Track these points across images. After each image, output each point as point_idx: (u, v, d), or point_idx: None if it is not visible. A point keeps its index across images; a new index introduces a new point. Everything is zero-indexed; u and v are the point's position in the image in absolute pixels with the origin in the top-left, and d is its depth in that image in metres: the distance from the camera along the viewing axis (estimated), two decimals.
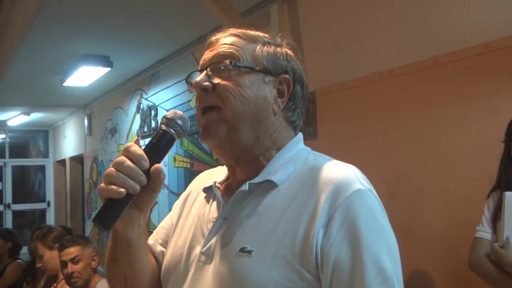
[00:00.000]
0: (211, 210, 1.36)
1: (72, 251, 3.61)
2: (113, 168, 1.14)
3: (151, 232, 1.55)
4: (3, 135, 12.12)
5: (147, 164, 1.15)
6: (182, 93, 5.87)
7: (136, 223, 1.25)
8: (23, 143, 14.02)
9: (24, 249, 6.14)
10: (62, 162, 12.00)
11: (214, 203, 1.36)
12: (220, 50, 1.30)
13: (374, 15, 3.42)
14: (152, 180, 1.17)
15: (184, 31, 5.25)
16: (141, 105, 7.26)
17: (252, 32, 1.35)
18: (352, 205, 1.14)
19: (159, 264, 1.46)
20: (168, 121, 1.22)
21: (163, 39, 5.62)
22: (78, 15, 4.68)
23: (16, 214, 12.10)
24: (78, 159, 11.00)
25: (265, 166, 1.29)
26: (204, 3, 3.95)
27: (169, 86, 6.37)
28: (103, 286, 3.59)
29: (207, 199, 1.41)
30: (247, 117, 1.26)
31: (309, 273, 1.13)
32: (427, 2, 3.06)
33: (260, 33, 1.36)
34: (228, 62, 1.27)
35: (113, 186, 1.12)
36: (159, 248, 1.49)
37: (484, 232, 2.46)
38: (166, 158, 6.50)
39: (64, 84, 7.03)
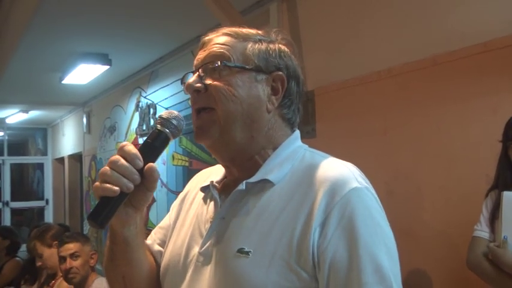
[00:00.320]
0: (209, 209, 1.35)
1: (72, 246, 3.64)
2: (107, 167, 1.15)
3: (149, 231, 1.55)
4: (1, 133, 12.12)
5: (141, 163, 1.16)
6: (181, 91, 5.81)
7: (133, 222, 1.26)
8: (22, 141, 14.03)
9: (23, 247, 6.15)
10: (61, 160, 11.99)
11: (212, 202, 1.36)
12: (212, 50, 1.30)
13: (373, 14, 3.42)
14: (146, 179, 1.18)
15: (184, 29, 5.24)
16: (140, 104, 7.26)
17: (245, 30, 1.34)
18: (348, 203, 1.14)
19: (157, 263, 1.46)
20: (163, 121, 1.23)
21: (163, 38, 5.62)
22: (77, 13, 4.67)
23: (14, 212, 12.10)
24: (76, 157, 10.99)
25: (261, 165, 1.29)
26: (203, 2, 3.95)
27: (168, 84, 6.37)
28: (100, 284, 3.60)
29: (205, 199, 1.41)
30: (240, 117, 1.26)
31: (306, 273, 1.13)
32: (426, 1, 3.06)
33: (253, 31, 1.35)
34: (218, 62, 1.27)
35: (108, 185, 1.13)
36: (156, 247, 1.49)
37: (482, 231, 2.46)
38: (165, 157, 6.50)
39: (63, 82, 7.02)
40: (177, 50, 5.95)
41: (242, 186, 1.26)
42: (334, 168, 1.21)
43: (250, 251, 1.17)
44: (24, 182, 13.94)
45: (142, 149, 1.20)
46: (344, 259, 1.11)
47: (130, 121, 7.63)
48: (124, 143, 1.20)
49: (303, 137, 1.39)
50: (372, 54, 3.41)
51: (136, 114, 7.37)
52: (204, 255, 1.27)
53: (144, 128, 7.02)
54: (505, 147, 2.46)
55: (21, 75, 7.14)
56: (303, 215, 1.15)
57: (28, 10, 4.40)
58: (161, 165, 6.62)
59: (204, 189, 1.41)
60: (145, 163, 1.17)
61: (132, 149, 1.17)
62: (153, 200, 6.81)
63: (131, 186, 1.15)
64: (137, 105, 7.36)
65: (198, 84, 1.28)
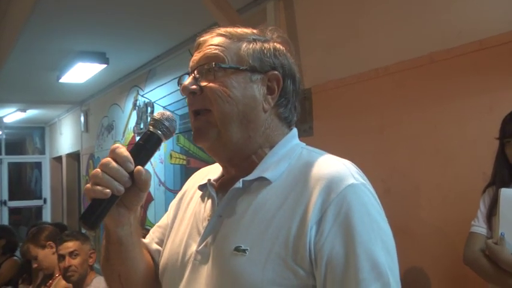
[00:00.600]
0: (207, 208, 1.36)
1: (71, 245, 3.64)
2: (99, 169, 1.16)
3: (147, 230, 1.56)
4: None
5: (132, 165, 1.17)
6: (178, 90, 5.84)
7: (126, 222, 1.27)
8: (19, 140, 14.01)
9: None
10: (59, 159, 11.99)
11: (209, 200, 1.36)
12: (206, 51, 1.30)
13: (370, 12, 3.42)
14: (137, 182, 1.18)
15: (181, 28, 5.24)
16: (138, 102, 7.25)
17: (240, 30, 1.34)
18: (345, 200, 1.14)
19: (155, 262, 1.47)
20: (156, 122, 1.24)
21: (160, 36, 5.61)
22: (74, 11, 4.67)
23: (12, 211, 12.08)
24: (74, 156, 10.98)
25: (258, 163, 1.29)
26: (200, 0, 3.95)
27: (165, 83, 6.37)
28: (99, 283, 3.61)
29: (203, 197, 1.41)
30: (236, 118, 1.26)
31: (303, 270, 1.13)
32: None
33: (248, 30, 1.35)
34: (213, 64, 1.27)
35: (98, 187, 1.14)
36: (154, 246, 1.50)
37: (480, 227, 2.47)
38: (162, 155, 6.50)
39: (60, 80, 7.01)
40: (175, 49, 5.95)
41: (239, 184, 1.26)
42: (331, 166, 1.21)
43: (247, 249, 1.17)
44: (22, 181, 13.93)
45: (134, 150, 1.20)
46: (341, 256, 1.11)
47: (128, 120, 7.63)
48: (115, 145, 1.20)
49: (300, 135, 1.39)
50: (369, 52, 3.42)
51: (134, 113, 7.37)
52: (202, 254, 1.27)
53: (142, 126, 7.02)
54: (501, 144, 2.46)
55: (19, 74, 7.13)
56: (299, 212, 1.16)
57: (25, 9, 4.40)
58: (159, 163, 6.62)
59: (201, 187, 1.41)
60: (137, 164, 1.18)
61: (123, 151, 1.18)
62: (151, 199, 6.81)
63: (122, 189, 1.16)
64: (135, 104, 7.36)
65: (193, 87, 1.29)
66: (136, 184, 1.19)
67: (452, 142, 2.88)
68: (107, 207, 1.16)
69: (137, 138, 7.06)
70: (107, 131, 8.57)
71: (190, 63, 1.34)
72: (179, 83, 1.36)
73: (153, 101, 6.76)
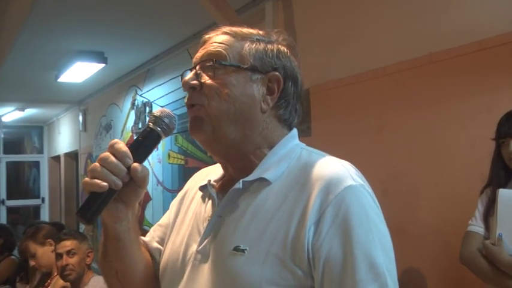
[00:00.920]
0: (207, 208, 1.36)
1: (69, 244, 3.65)
2: (97, 163, 1.17)
3: (145, 230, 1.56)
4: None
5: (130, 160, 1.18)
6: (177, 89, 5.86)
7: (124, 218, 1.27)
8: (18, 139, 13.99)
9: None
10: (57, 158, 11.99)
11: (210, 201, 1.36)
12: (209, 48, 1.31)
13: (369, 12, 3.42)
14: (134, 177, 1.19)
15: (179, 28, 5.24)
16: (136, 102, 7.25)
17: (245, 30, 1.34)
18: (343, 201, 1.14)
19: (154, 260, 1.47)
20: (155, 119, 1.24)
21: (158, 36, 5.61)
22: (72, 11, 4.67)
23: (10, 210, 12.07)
24: (72, 156, 10.99)
25: (258, 164, 1.29)
26: (199, 0, 3.95)
27: (164, 83, 6.37)
28: (97, 282, 3.61)
29: (203, 198, 1.41)
30: (233, 116, 1.27)
31: (301, 271, 1.13)
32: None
33: (254, 31, 1.35)
34: (213, 60, 1.28)
35: (96, 180, 1.15)
36: (155, 244, 1.50)
37: (477, 226, 2.47)
38: (160, 155, 6.50)
39: (59, 80, 7.02)
40: (173, 48, 5.95)
41: (239, 185, 1.26)
42: (329, 167, 1.22)
43: (245, 249, 1.18)
44: (20, 180, 13.91)
45: (133, 146, 1.21)
46: (338, 257, 1.11)
47: (126, 119, 7.63)
48: (115, 140, 1.21)
49: (299, 135, 1.39)
50: (368, 52, 3.42)
51: (132, 113, 7.37)
52: (202, 253, 1.28)
53: (140, 126, 7.02)
54: (497, 145, 2.47)
55: (17, 74, 7.12)
56: (297, 213, 1.16)
57: (24, 8, 4.39)
58: (157, 163, 6.62)
59: (202, 188, 1.41)
60: (135, 160, 1.19)
61: (122, 146, 1.18)
62: (149, 198, 6.81)
63: (119, 183, 1.16)
64: (133, 104, 7.36)
65: (194, 82, 1.29)
66: (134, 180, 1.19)
67: (451, 142, 2.88)
68: (105, 202, 1.16)
69: (135, 138, 7.07)
70: (105, 130, 8.57)
71: (194, 59, 1.35)
72: (182, 79, 1.37)
73: (151, 100, 6.76)
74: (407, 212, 3.12)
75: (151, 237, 1.53)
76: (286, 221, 1.17)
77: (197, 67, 1.31)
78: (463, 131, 2.82)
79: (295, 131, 1.38)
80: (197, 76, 1.30)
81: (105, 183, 1.14)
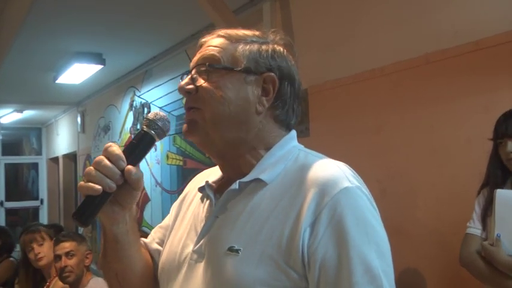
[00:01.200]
0: (205, 209, 1.37)
1: (67, 245, 3.64)
2: (92, 167, 1.18)
3: (143, 231, 1.57)
4: None
5: (124, 163, 1.19)
6: (175, 90, 5.85)
7: (121, 219, 1.29)
8: (16, 141, 13.98)
9: (17, 247, 6.12)
10: (55, 159, 11.98)
11: (208, 202, 1.37)
12: (204, 52, 1.32)
13: (366, 13, 3.42)
14: (128, 179, 1.20)
15: (177, 28, 5.24)
16: (134, 103, 7.26)
17: (240, 32, 1.34)
18: (339, 204, 1.13)
19: (154, 261, 1.48)
20: (149, 122, 1.26)
21: (156, 37, 5.61)
22: (70, 12, 4.67)
23: (9, 212, 12.07)
24: (71, 157, 10.99)
25: (254, 165, 1.29)
26: (196, 1, 3.96)
27: (162, 84, 6.37)
28: (96, 284, 3.60)
29: (202, 198, 1.41)
30: (227, 118, 1.27)
31: (295, 273, 1.13)
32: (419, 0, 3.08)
33: (249, 32, 1.35)
34: (206, 64, 1.29)
35: (91, 184, 1.16)
36: (155, 246, 1.51)
37: (475, 228, 2.47)
38: (159, 156, 6.50)
39: (57, 81, 7.02)
40: (171, 49, 5.96)
41: (235, 185, 1.27)
42: (326, 169, 1.21)
43: (240, 249, 1.18)
44: (19, 182, 13.90)
45: (127, 149, 1.23)
46: (334, 259, 1.11)
47: (125, 120, 7.63)
48: (109, 143, 1.23)
49: (297, 136, 1.38)
50: (365, 52, 3.42)
51: (131, 114, 7.37)
52: (198, 253, 1.28)
53: (138, 127, 7.02)
54: (495, 145, 2.47)
55: (15, 75, 7.12)
56: (293, 215, 1.16)
57: (22, 9, 4.39)
58: (155, 164, 6.62)
59: (201, 189, 1.42)
60: (129, 163, 1.20)
61: (116, 149, 1.20)
62: (148, 200, 6.81)
63: (113, 186, 1.18)
64: (131, 105, 7.36)
65: (189, 86, 1.30)
66: (129, 182, 1.21)
67: (448, 142, 2.88)
68: (100, 204, 1.18)
69: None
70: (104, 131, 8.57)
71: (191, 64, 1.35)
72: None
73: (149, 101, 6.76)
74: (405, 212, 3.12)
75: (151, 239, 1.54)
76: (281, 222, 1.16)
77: (193, 71, 1.31)
78: (461, 130, 2.82)
79: (293, 132, 1.38)
80: (193, 80, 1.30)
81: (99, 187, 1.16)
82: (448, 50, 2.86)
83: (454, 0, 2.87)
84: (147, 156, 6.38)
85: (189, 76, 1.32)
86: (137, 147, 1.25)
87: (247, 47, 1.30)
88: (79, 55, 6.10)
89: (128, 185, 1.21)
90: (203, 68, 1.29)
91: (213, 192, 1.36)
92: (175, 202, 1.55)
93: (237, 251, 1.18)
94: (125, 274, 1.40)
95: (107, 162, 1.18)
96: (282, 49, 1.35)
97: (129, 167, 1.20)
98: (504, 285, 2.31)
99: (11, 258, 5.82)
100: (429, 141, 2.99)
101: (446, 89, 2.89)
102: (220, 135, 1.28)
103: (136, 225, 1.40)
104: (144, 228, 6.66)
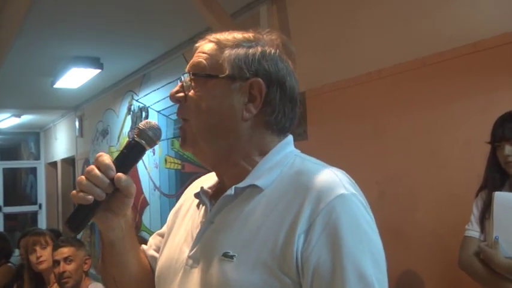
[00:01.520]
0: (200, 214, 1.36)
1: (66, 251, 3.64)
2: (83, 176, 1.21)
3: (142, 236, 1.57)
4: None
5: (113, 172, 1.22)
6: None
7: (116, 225, 1.31)
8: (14, 145, 13.99)
9: (16, 252, 6.11)
10: (54, 164, 11.98)
11: (204, 207, 1.37)
12: (194, 59, 1.31)
13: (364, 16, 3.43)
14: (118, 187, 1.23)
15: (175, 32, 5.24)
16: (132, 107, 7.25)
17: (230, 36, 1.31)
18: (333, 211, 1.13)
19: (152, 268, 1.48)
20: (140, 131, 1.29)
21: (154, 41, 5.62)
22: (68, 17, 4.67)
23: (7, 217, 12.06)
24: (69, 161, 10.98)
25: (250, 171, 1.28)
26: (193, 5, 3.96)
27: (160, 87, 6.37)
28: None
29: (198, 204, 1.41)
30: (214, 128, 1.27)
31: (289, 279, 1.12)
32: (415, 2, 3.07)
33: (239, 35, 1.32)
34: (191, 72, 1.29)
35: (81, 193, 1.20)
36: (151, 252, 1.52)
37: (473, 231, 2.47)
38: (157, 160, 6.50)
39: (55, 86, 7.01)
40: (169, 53, 5.96)
41: (231, 191, 1.26)
42: (321, 175, 1.20)
43: (234, 255, 1.17)
44: (17, 187, 13.90)
45: (118, 158, 1.27)
46: (327, 267, 1.10)
47: (123, 124, 7.63)
48: (100, 153, 1.25)
49: (295, 140, 1.37)
50: (362, 55, 3.43)
51: (129, 118, 7.37)
52: (193, 259, 1.28)
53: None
54: (493, 148, 2.47)
55: (13, 80, 7.12)
56: (287, 221, 1.15)
57: (19, 14, 4.39)
58: (154, 168, 6.62)
59: (197, 195, 1.41)
60: (119, 171, 1.23)
61: (105, 159, 1.23)
62: (146, 204, 6.81)
63: (103, 195, 1.21)
64: (129, 109, 7.36)
65: (178, 95, 1.31)
66: (120, 189, 1.23)
67: (446, 144, 2.88)
68: (91, 212, 1.22)
69: None
70: (102, 135, 8.57)
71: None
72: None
73: (147, 105, 6.76)
74: (403, 214, 3.12)
75: (149, 246, 1.55)
76: (276, 228, 1.16)
77: (183, 79, 1.31)
78: (458, 132, 2.82)
79: (290, 137, 1.36)
80: (183, 88, 1.31)
81: (90, 196, 1.19)
82: (444, 53, 2.86)
83: (450, 2, 2.88)
84: (146, 160, 6.37)
85: (180, 84, 1.32)
86: (127, 156, 1.28)
87: (233, 51, 1.28)
88: (77, 59, 6.10)
89: (120, 192, 1.24)
90: (188, 77, 1.29)
91: (208, 198, 1.36)
92: (173, 209, 1.55)
93: (231, 256, 1.18)
94: (122, 278, 1.42)
95: (96, 171, 1.21)
96: (273, 50, 1.31)
97: (119, 174, 1.22)
98: (502, 287, 2.31)
99: (9, 264, 5.81)
100: (427, 143, 2.99)
101: (444, 91, 2.89)
102: (209, 145, 1.28)
103: (134, 231, 1.42)
104: (143, 233, 6.65)
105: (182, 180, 5.87)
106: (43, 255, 4.14)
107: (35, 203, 12.60)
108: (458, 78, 2.81)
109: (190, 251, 1.30)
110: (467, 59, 2.76)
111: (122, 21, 4.89)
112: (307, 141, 3.82)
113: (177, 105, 1.33)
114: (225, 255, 1.19)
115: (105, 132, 8.43)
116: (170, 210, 1.58)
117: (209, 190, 1.39)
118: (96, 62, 6.21)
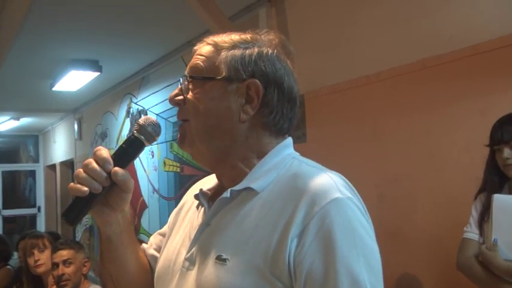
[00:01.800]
0: (199, 216, 1.36)
1: (65, 253, 3.64)
2: (81, 169, 1.23)
3: (140, 239, 1.57)
4: None
5: (110, 166, 1.23)
6: None
7: (114, 221, 1.32)
8: (13, 148, 13.97)
9: (15, 255, 6.10)
10: (52, 167, 11.97)
11: (202, 209, 1.37)
12: (192, 62, 1.32)
13: (362, 18, 3.43)
14: (115, 181, 1.23)
15: (173, 35, 5.25)
16: (131, 110, 7.25)
17: (227, 38, 1.31)
18: (327, 215, 1.11)
19: (151, 267, 1.48)
20: (140, 127, 1.29)
21: (153, 44, 5.62)
22: (67, 19, 4.67)
23: (6, 220, 12.07)
24: (68, 164, 10.98)
25: (248, 173, 1.28)
26: (192, 8, 3.96)
27: (159, 90, 6.37)
28: None
29: (198, 206, 1.41)
30: (211, 130, 1.27)
31: (281, 283, 1.11)
32: (414, 5, 3.08)
33: (236, 37, 1.31)
34: (188, 76, 1.30)
35: (78, 185, 1.21)
36: (151, 251, 1.52)
37: (472, 233, 2.47)
38: (156, 163, 6.50)
39: (54, 89, 7.02)
40: (168, 56, 5.96)
41: (227, 194, 1.26)
42: (317, 178, 1.19)
43: (227, 259, 1.17)
44: (16, 190, 13.88)
45: (116, 153, 1.27)
46: (320, 271, 1.09)
47: (122, 127, 7.63)
48: (98, 147, 1.26)
49: (294, 142, 1.36)
50: (361, 58, 3.43)
51: (128, 121, 7.37)
52: (189, 261, 1.28)
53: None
54: (491, 151, 2.47)
55: (12, 83, 7.13)
56: (281, 224, 1.14)
57: (18, 17, 4.39)
58: (153, 171, 6.61)
59: (196, 196, 1.41)
60: (117, 166, 1.23)
61: (103, 153, 1.23)
62: (145, 206, 6.80)
63: (99, 188, 1.21)
64: (128, 112, 7.36)
65: (177, 98, 1.32)
66: (117, 184, 1.24)
67: (446, 147, 2.89)
68: (87, 205, 1.23)
69: None
70: (101, 138, 8.56)
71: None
72: None
73: (146, 108, 6.75)
74: (402, 216, 3.12)
75: (149, 245, 1.55)
76: (269, 231, 1.15)
77: (181, 81, 1.32)
78: (457, 135, 2.82)
79: (289, 140, 1.35)
80: (181, 91, 1.31)
81: (86, 188, 1.20)
82: (444, 55, 2.87)
83: (449, 5, 2.88)
84: (145, 163, 6.36)
85: (179, 87, 1.32)
86: (126, 151, 1.28)
87: (230, 53, 1.28)
88: (75, 62, 6.11)
89: (117, 187, 1.24)
90: (187, 80, 1.30)
91: (207, 199, 1.36)
92: (174, 210, 1.55)
93: (224, 260, 1.17)
94: (119, 275, 1.42)
95: (94, 164, 1.22)
96: (270, 51, 1.30)
97: (116, 168, 1.23)
98: None
99: (8, 266, 5.80)
100: (426, 146, 2.99)
101: (443, 93, 2.89)
102: (207, 146, 1.28)
103: (132, 228, 1.43)
104: (142, 236, 6.64)
105: (181, 183, 5.86)
106: (41, 259, 4.13)
107: (33, 205, 12.60)
108: (458, 80, 2.81)
109: (187, 253, 1.29)
110: (466, 62, 2.76)
111: (120, 24, 4.89)
112: (306, 143, 3.82)
113: (176, 109, 1.33)
114: (219, 258, 1.18)
115: (104, 135, 8.43)
116: (169, 213, 1.58)
117: (208, 192, 1.39)
118: (95, 65, 6.22)
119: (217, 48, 1.29)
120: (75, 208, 1.23)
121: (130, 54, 6.03)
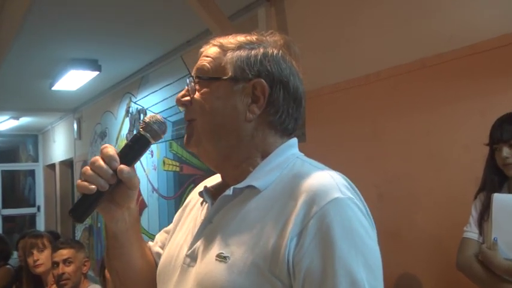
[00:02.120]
0: (202, 213, 1.37)
1: (65, 252, 3.65)
2: (88, 167, 1.24)
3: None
4: None
5: (117, 163, 1.24)
6: (171, 96, 5.86)
7: (120, 218, 1.33)
8: (13, 148, 13.98)
9: (15, 254, 6.10)
10: (52, 166, 11.97)
11: (206, 206, 1.38)
12: (198, 63, 1.33)
13: (362, 18, 3.43)
14: (121, 179, 1.25)
15: (173, 35, 5.25)
16: (130, 109, 7.25)
17: (233, 39, 1.33)
18: (327, 215, 1.12)
19: (157, 264, 1.49)
20: (145, 125, 1.30)
21: (152, 43, 5.62)
22: (66, 19, 4.67)
23: (6, 219, 12.07)
24: (68, 164, 10.97)
25: (251, 172, 1.29)
26: (192, 7, 3.96)
27: (158, 90, 6.37)
28: None
29: (202, 203, 1.42)
30: (218, 129, 1.28)
31: (280, 282, 1.12)
32: (414, 4, 3.08)
33: (242, 38, 1.33)
34: (195, 76, 1.32)
35: (85, 183, 1.22)
36: (156, 249, 1.53)
37: (472, 232, 2.47)
38: (155, 162, 6.50)
39: (53, 88, 7.02)
40: (167, 55, 5.96)
41: (229, 191, 1.27)
42: (317, 178, 1.19)
43: (227, 256, 1.18)
44: (16, 189, 13.89)
45: (122, 150, 1.28)
46: (319, 271, 1.09)
47: (121, 127, 7.63)
48: (105, 145, 1.28)
49: None
50: (361, 58, 3.43)
51: (127, 120, 7.37)
52: (190, 257, 1.29)
53: (135, 133, 7.01)
54: (491, 150, 2.47)
55: (12, 82, 7.13)
56: (281, 223, 1.15)
57: (17, 17, 4.39)
58: (152, 170, 6.61)
59: (200, 193, 1.42)
60: (123, 163, 1.24)
61: (110, 150, 1.25)
62: (145, 206, 6.80)
63: (106, 185, 1.22)
64: (127, 111, 7.36)
65: (184, 99, 1.33)
66: (123, 181, 1.25)
67: (445, 146, 2.89)
68: (94, 202, 1.24)
69: None
70: (100, 138, 8.56)
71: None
72: None
73: (145, 107, 6.75)
74: (402, 216, 3.12)
75: (155, 242, 1.57)
76: (269, 230, 1.16)
77: (189, 82, 1.33)
78: (457, 134, 2.82)
79: (294, 140, 1.37)
80: (188, 92, 1.33)
81: (93, 186, 1.21)
82: (443, 55, 2.86)
83: (449, 4, 2.88)
84: (144, 162, 6.36)
85: (186, 88, 1.34)
86: (132, 149, 1.29)
87: (235, 54, 1.30)
88: (75, 62, 6.10)
89: (123, 184, 1.25)
90: (194, 80, 1.31)
91: (211, 197, 1.37)
92: (181, 208, 1.57)
93: (224, 258, 1.18)
94: (124, 272, 1.43)
95: (100, 162, 1.23)
96: (276, 51, 1.32)
97: (122, 166, 1.24)
98: None
99: (8, 266, 5.80)
100: (426, 146, 2.99)
101: (443, 93, 2.89)
102: (213, 145, 1.29)
103: (139, 226, 1.44)
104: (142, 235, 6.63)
105: (180, 182, 5.86)
106: (40, 259, 4.13)
107: (33, 205, 12.60)
108: (458, 80, 2.81)
109: (189, 249, 1.30)
110: (466, 61, 2.76)
111: (120, 23, 4.89)
112: (306, 143, 3.82)
113: (177, 108, 1.34)
114: (219, 256, 1.19)
115: (103, 135, 8.43)
116: (168, 212, 1.58)
117: (212, 189, 1.40)
118: (94, 64, 6.21)
119: (223, 49, 1.31)
120: (82, 205, 1.24)
121: (130, 53, 6.03)
